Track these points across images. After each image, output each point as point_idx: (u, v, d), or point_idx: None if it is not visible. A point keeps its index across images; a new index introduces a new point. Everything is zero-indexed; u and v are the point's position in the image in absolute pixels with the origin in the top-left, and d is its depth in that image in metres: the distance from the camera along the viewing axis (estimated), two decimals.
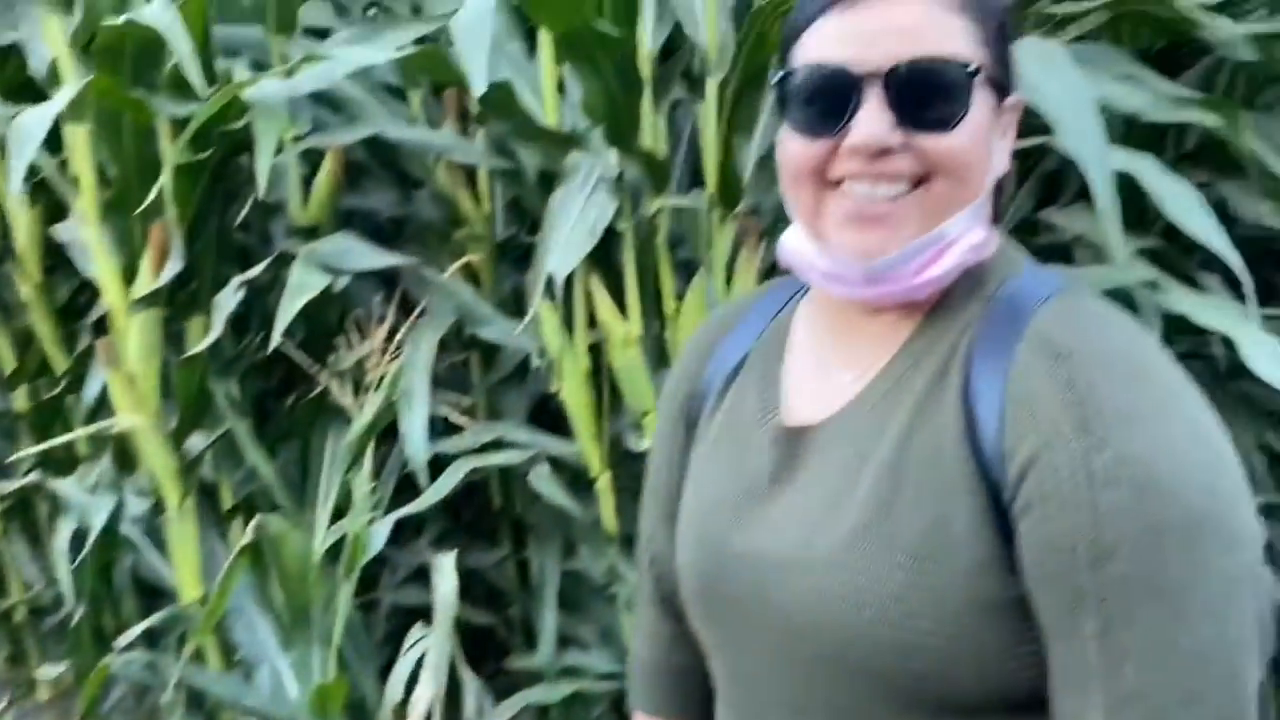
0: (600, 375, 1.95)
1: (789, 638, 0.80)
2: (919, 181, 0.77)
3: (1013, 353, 0.75)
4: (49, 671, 2.46)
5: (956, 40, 0.77)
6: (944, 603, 0.74)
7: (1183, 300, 1.56)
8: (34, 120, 1.72)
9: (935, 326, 0.81)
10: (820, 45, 0.79)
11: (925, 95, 0.76)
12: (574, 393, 1.91)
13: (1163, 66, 2.15)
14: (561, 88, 1.91)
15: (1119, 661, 0.69)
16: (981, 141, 0.78)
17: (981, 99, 0.78)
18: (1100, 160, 1.35)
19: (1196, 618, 0.69)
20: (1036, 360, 0.74)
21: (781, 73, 0.81)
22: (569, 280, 1.87)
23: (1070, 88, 1.35)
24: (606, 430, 1.95)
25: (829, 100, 0.77)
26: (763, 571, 0.82)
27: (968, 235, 0.79)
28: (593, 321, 1.91)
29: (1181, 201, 1.50)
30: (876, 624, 0.75)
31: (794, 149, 0.80)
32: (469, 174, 2.24)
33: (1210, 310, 1.51)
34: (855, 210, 0.78)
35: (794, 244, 0.84)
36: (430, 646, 1.70)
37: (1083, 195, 2.24)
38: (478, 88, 1.29)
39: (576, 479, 2.02)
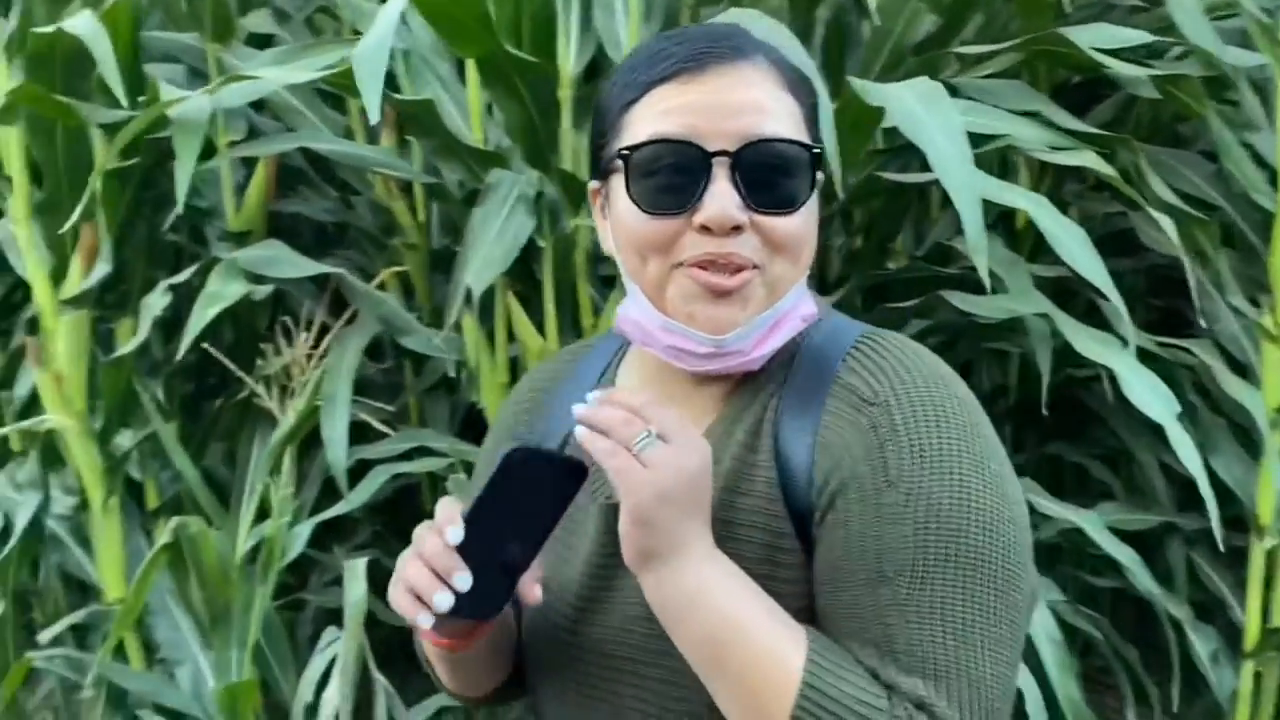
0: None
1: (640, 712, 0.84)
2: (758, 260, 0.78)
3: (821, 406, 0.79)
4: None
5: (793, 120, 0.79)
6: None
7: (1070, 330, 1.63)
8: None
9: (747, 391, 0.84)
10: (662, 118, 0.77)
11: (772, 176, 0.77)
12: (494, 404, 1.95)
13: (1081, 99, 2.24)
14: (491, 108, 1.95)
15: (903, 672, 0.74)
16: (813, 220, 0.81)
17: (810, 179, 0.79)
18: (970, 194, 1.42)
19: (979, 647, 0.74)
20: (844, 409, 0.79)
21: (623, 148, 0.78)
22: (491, 294, 1.92)
23: (945, 123, 1.41)
24: None
25: (677, 175, 0.76)
26: (613, 663, 0.85)
27: (799, 308, 0.82)
28: (514, 335, 1.95)
29: (1069, 239, 1.57)
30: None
31: (639, 226, 0.79)
32: (405, 185, 2.29)
33: (1092, 342, 1.58)
34: (705, 286, 0.78)
35: (635, 315, 0.83)
36: (340, 649, 1.73)
37: (993, 226, 2.32)
38: (372, 116, 1.33)
39: None
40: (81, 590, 2.42)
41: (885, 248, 2.19)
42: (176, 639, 2.18)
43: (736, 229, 0.77)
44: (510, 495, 0.76)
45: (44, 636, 2.15)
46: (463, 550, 0.76)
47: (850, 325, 0.86)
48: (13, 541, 2.20)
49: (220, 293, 1.80)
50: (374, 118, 1.32)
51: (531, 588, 0.80)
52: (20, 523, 2.19)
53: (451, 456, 2.02)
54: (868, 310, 2.02)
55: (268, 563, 1.86)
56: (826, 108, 1.40)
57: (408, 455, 2.05)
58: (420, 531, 0.79)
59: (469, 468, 2.02)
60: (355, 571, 1.75)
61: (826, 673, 0.73)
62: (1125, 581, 1.98)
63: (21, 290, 2.58)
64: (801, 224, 0.79)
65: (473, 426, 2.19)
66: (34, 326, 2.52)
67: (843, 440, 0.78)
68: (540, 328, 1.89)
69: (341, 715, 1.71)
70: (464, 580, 0.75)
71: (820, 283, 2.09)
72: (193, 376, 2.32)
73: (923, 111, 1.41)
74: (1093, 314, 1.93)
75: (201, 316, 1.75)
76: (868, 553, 0.75)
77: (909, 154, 1.82)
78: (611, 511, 0.81)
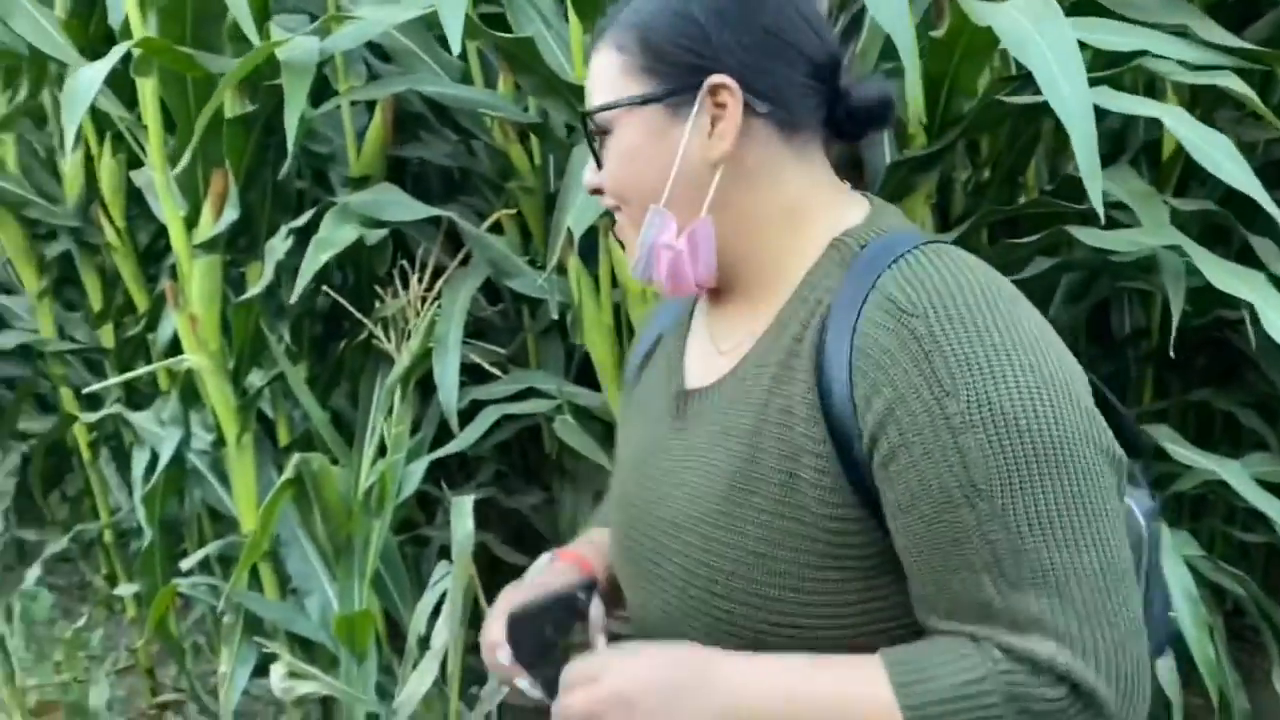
0: (627, 329, 1.98)
1: (673, 586, 0.86)
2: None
3: (860, 311, 0.78)
4: (126, 589, 2.64)
5: (607, 83, 0.89)
6: (791, 554, 0.78)
7: (1207, 265, 1.50)
8: (86, 78, 1.83)
9: (799, 299, 0.85)
10: None
11: (596, 140, 0.91)
12: (597, 345, 1.95)
13: (1238, 14, 2.05)
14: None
15: (1014, 590, 0.73)
16: (636, 160, 0.88)
17: (633, 122, 0.88)
18: (1080, 112, 1.31)
19: (1081, 542, 0.73)
20: (882, 316, 0.78)
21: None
22: (595, 235, 1.90)
23: (1057, 40, 1.30)
24: None
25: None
26: (659, 528, 0.88)
27: (659, 237, 0.88)
28: (616, 276, 1.94)
29: (1212, 149, 1.43)
30: (738, 579, 0.80)
31: None
32: (521, 129, 2.28)
33: (1231, 277, 1.45)
34: None
35: None
36: (449, 583, 1.77)
37: (1136, 157, 2.16)
38: (454, 46, 1.32)
39: (609, 430, 2.07)
40: (221, 522, 2.56)
41: (1014, 181, 2.06)
42: (306, 570, 2.27)
43: (598, 190, 0.93)
44: (535, 623, 0.92)
45: (186, 564, 2.28)
46: (518, 656, 0.92)
47: (908, 238, 0.84)
48: (158, 474, 2.34)
49: (332, 237, 1.84)
50: (455, 48, 1.31)
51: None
52: (165, 457, 2.32)
53: (559, 398, 2.03)
54: (990, 245, 1.91)
55: (383, 498, 1.91)
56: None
57: (518, 396, 2.07)
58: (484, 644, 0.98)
59: (577, 411, 2.03)
60: (462, 508, 1.78)
61: (918, 683, 0.74)
62: (1276, 536, 1.84)
63: (165, 237, 2.72)
64: (613, 172, 0.90)
65: (586, 368, 2.20)
66: (175, 271, 2.66)
67: (880, 346, 0.77)
68: None
69: (450, 646, 1.76)
70: (525, 683, 0.92)
71: (943, 217, 1.99)
72: (321, 319, 2.40)
73: (1032, 29, 1.31)
74: (1247, 256, 1.78)
75: (314, 260, 1.80)
76: (953, 467, 0.74)
77: None
78: (681, 396, 0.91)
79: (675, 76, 0.87)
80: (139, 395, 2.74)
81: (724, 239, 0.88)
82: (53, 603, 2.75)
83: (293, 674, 1.69)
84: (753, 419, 0.83)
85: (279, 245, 2.03)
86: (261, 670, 2.22)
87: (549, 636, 0.92)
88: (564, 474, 2.41)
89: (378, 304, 2.18)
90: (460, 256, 2.10)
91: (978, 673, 0.73)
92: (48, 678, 2.79)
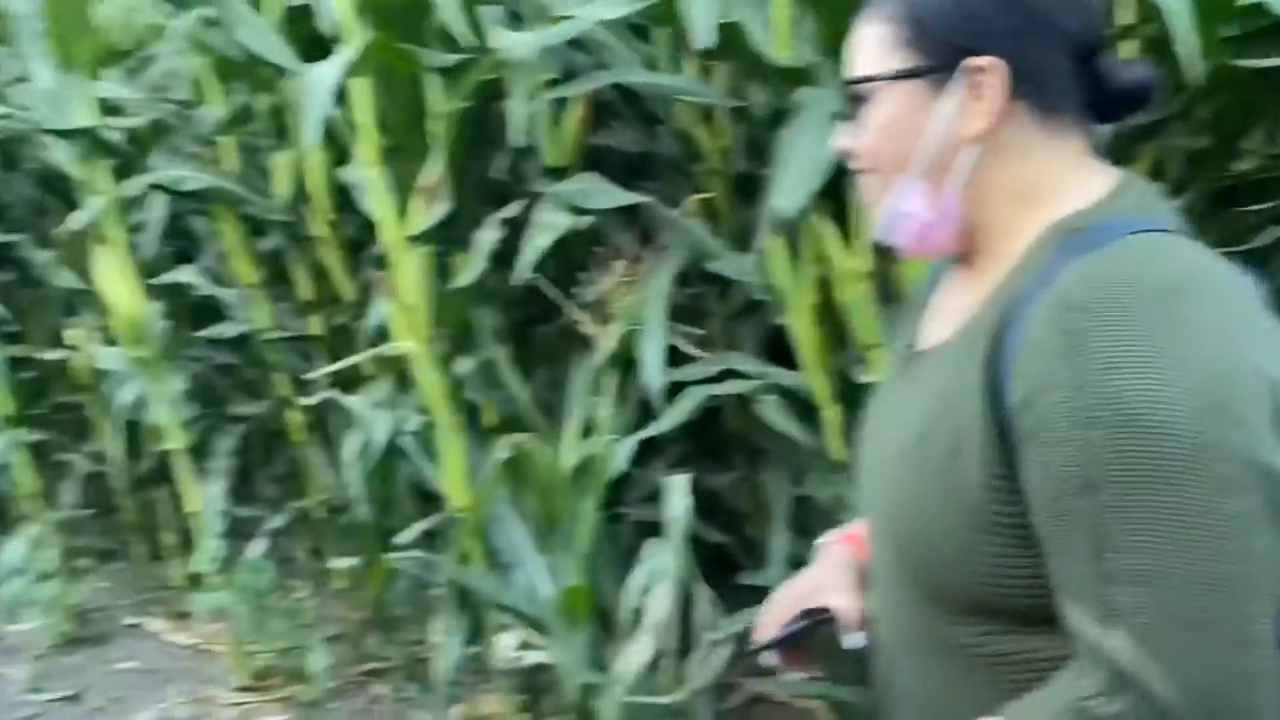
0: (829, 309, 1.99)
1: (879, 536, 0.96)
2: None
3: (1040, 300, 0.82)
4: (341, 563, 2.81)
5: (872, 53, 0.92)
6: (956, 518, 0.84)
7: None
8: (323, 75, 1.94)
9: (1009, 279, 0.88)
10: None
11: (853, 107, 0.94)
12: (801, 326, 1.96)
13: None
14: (799, 25, 1.92)
15: (1109, 582, 0.76)
16: (892, 131, 0.91)
17: (893, 94, 0.91)
18: None
19: (1188, 549, 0.74)
20: (1049, 309, 0.81)
21: None
22: (798, 215, 1.91)
23: None
24: (834, 363, 2.00)
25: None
26: (870, 477, 0.98)
27: (908, 205, 0.92)
28: (821, 256, 1.95)
29: None
30: (908, 527, 0.89)
31: None
32: (706, 111, 2.32)
33: None
34: None
35: None
36: (664, 559, 1.82)
37: None
38: (702, 42, 1.35)
39: (807, 409, 2.08)
40: (429, 500, 2.69)
41: (1235, 147, 1.97)
42: (513, 545, 2.37)
43: (848, 152, 0.96)
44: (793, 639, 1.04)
45: (401, 539, 2.41)
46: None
47: (1122, 225, 0.85)
48: (372, 455, 2.48)
49: (551, 223, 1.91)
50: (705, 41, 1.33)
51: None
52: (378, 439, 2.46)
53: (760, 379, 2.06)
54: (1213, 216, 1.84)
55: (596, 477, 1.98)
56: None
57: (718, 378, 2.10)
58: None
59: (781, 391, 2.05)
60: (677, 487, 1.83)
61: None
62: None
63: (368, 230, 2.86)
64: (868, 142, 0.93)
65: (780, 348, 2.22)
66: (382, 262, 2.80)
67: (1039, 336, 0.80)
68: (850, 250, 1.87)
69: (667, 621, 1.81)
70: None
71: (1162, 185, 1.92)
72: (521, 305, 2.49)
73: None
74: None
75: (535, 247, 1.87)
76: (1075, 459, 0.77)
77: (1271, 38, 1.62)
78: (909, 356, 0.98)
79: (940, 53, 0.89)
80: (345, 381, 2.89)
81: (964, 212, 0.91)
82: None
83: (522, 645, 1.78)
84: (944, 385, 0.87)
85: (488, 235, 2.12)
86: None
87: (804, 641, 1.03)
88: (755, 453, 2.44)
89: (578, 290, 2.26)
90: (659, 242, 2.15)
91: (1080, 689, 0.77)
92: (269, 645, 2.99)
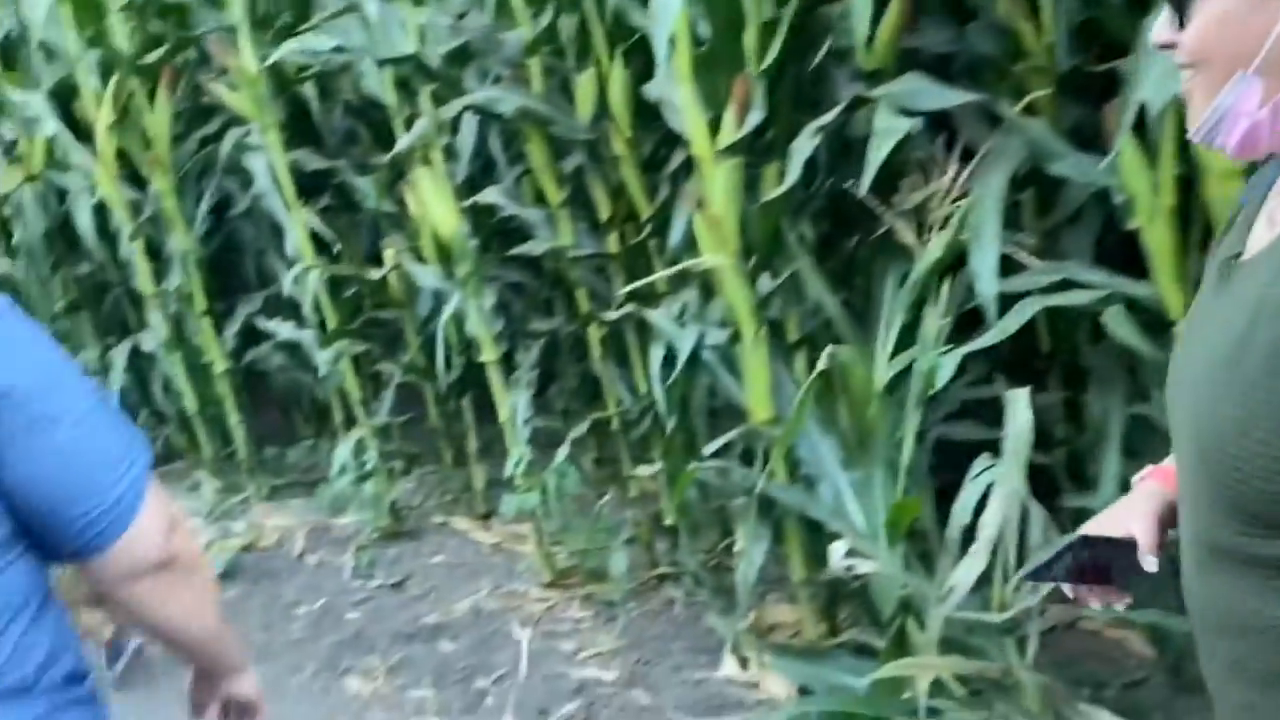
0: (1186, 212, 1.83)
1: (1183, 448, 0.92)
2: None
3: None
4: (644, 471, 2.90)
5: None
6: (1270, 439, 0.81)
7: None
8: None
9: None
10: None
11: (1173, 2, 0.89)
12: (1156, 231, 1.82)
13: None
14: None
15: None
16: (1229, 24, 0.86)
17: None
18: None
19: None
20: None
21: None
22: (1143, 111, 1.76)
23: None
24: (1191, 271, 1.84)
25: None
26: (1182, 384, 0.94)
27: (1240, 103, 0.87)
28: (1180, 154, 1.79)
29: None
30: (1219, 441, 0.85)
31: None
32: (1030, 2, 2.17)
33: None
34: None
35: None
36: (999, 477, 1.76)
37: None
38: None
39: (1149, 322, 1.94)
40: (729, 413, 2.72)
41: None
42: (817, 458, 2.37)
43: (1168, 45, 0.91)
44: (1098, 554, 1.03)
45: (709, 449, 2.46)
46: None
47: None
48: (678, 368, 2.53)
49: (891, 128, 1.85)
50: None
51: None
52: (684, 351, 2.51)
53: (1104, 289, 1.93)
54: None
55: (922, 390, 1.94)
56: None
57: (1054, 288, 1.99)
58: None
59: (1130, 304, 1.92)
60: (1018, 401, 1.75)
61: None
62: None
63: (665, 147, 2.89)
64: (1193, 37, 0.88)
65: (1119, 256, 2.07)
66: (677, 179, 2.83)
67: None
68: None
69: (1005, 538, 1.76)
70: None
71: None
72: (826, 217, 2.45)
73: None
74: None
75: (877, 153, 1.82)
76: None
77: None
78: (1228, 265, 0.93)
79: None
80: (640, 298, 2.96)
81: None
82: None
83: (852, 553, 1.78)
84: (1262, 293, 0.84)
85: (805, 144, 2.08)
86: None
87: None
88: (1075, 371, 2.32)
89: (894, 198, 2.19)
90: (987, 146, 2.04)
91: None
92: (571, 546, 3.16)
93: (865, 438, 2.18)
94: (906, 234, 2.15)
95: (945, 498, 2.10)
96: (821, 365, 2.08)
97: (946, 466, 2.24)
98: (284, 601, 3.34)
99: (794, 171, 2.11)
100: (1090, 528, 1.05)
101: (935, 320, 1.95)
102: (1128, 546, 1.00)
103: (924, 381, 1.94)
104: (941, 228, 2.07)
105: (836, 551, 1.84)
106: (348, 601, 3.33)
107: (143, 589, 1.06)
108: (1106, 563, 1.02)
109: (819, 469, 2.38)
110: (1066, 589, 1.06)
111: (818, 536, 2.46)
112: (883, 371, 2.14)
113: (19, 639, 1.01)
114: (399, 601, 3.30)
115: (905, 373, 2.11)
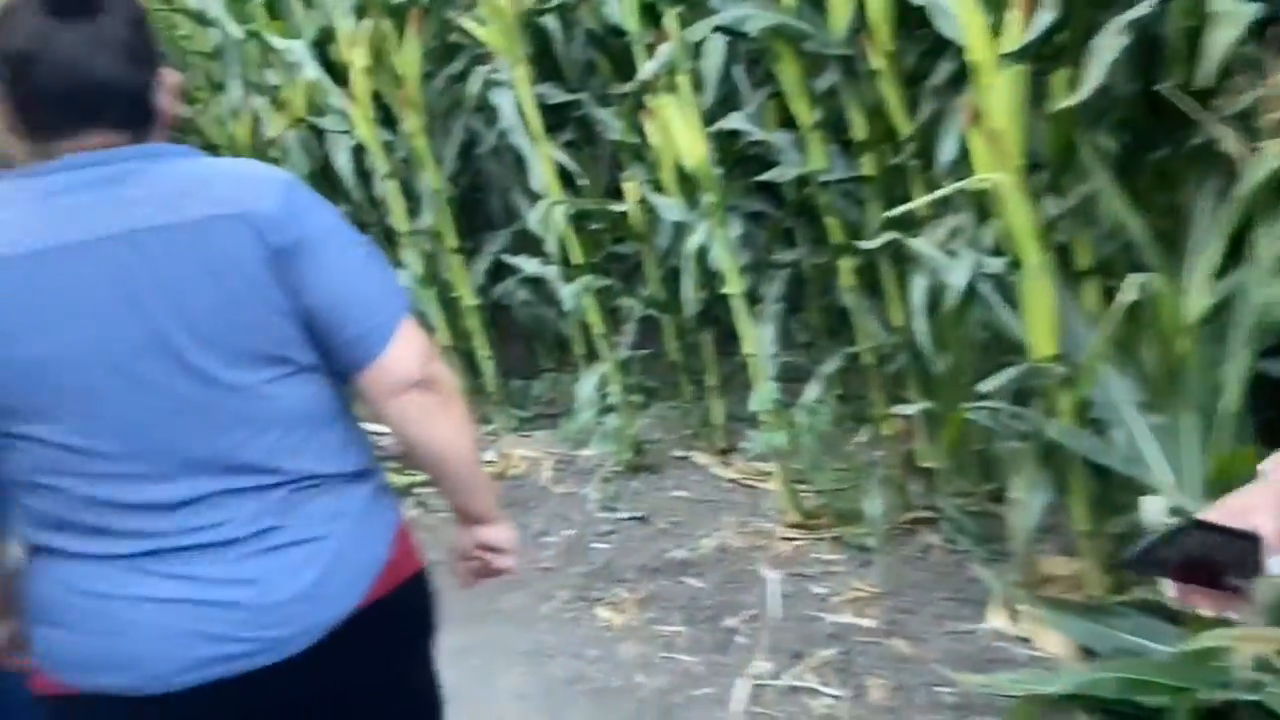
0: None
1: None
2: None
3: None
4: (904, 410, 2.73)
5: None
6: None
7: None
8: None
9: None
10: None
11: None
12: None
13: None
14: None
15: None
16: None
17: None
18: None
19: None
20: None
21: None
22: None
23: None
24: None
25: None
26: None
27: None
28: None
29: None
30: None
31: None
32: None
33: None
34: None
35: None
36: None
37: None
38: None
39: None
40: (996, 347, 2.50)
41: None
42: (1110, 400, 2.13)
43: None
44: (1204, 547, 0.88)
45: (985, 387, 2.26)
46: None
47: None
48: (951, 299, 2.33)
49: (1231, 11, 1.58)
50: None
51: None
52: (958, 282, 2.30)
53: None
54: None
55: (1255, 323, 1.68)
56: None
57: None
58: None
59: None
60: None
61: None
62: None
63: (929, 59, 2.66)
64: None
65: None
66: (943, 92, 2.60)
67: None
68: None
69: None
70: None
71: None
72: (1126, 128, 2.17)
73: None
74: None
75: (1216, 42, 1.56)
76: None
77: None
78: None
79: None
80: (899, 224, 2.75)
81: None
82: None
83: (1172, 509, 1.57)
84: None
85: (1109, 42, 1.83)
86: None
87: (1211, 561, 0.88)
88: None
89: (1215, 102, 1.90)
90: None
91: None
92: (821, 485, 3.04)
93: (1173, 378, 1.93)
94: (1231, 142, 1.86)
95: (1259, 441, 1.84)
96: (1130, 295, 1.84)
97: (1259, 407, 1.96)
98: (533, 530, 3.40)
99: (1097, 75, 1.86)
100: (1206, 514, 0.89)
101: (1272, 242, 1.67)
102: (1249, 541, 0.85)
103: (1258, 315, 1.67)
104: (1276, 134, 1.78)
105: (1151, 506, 1.62)
106: (594, 532, 3.35)
107: (408, 401, 1.23)
108: (1221, 559, 0.87)
109: (1113, 412, 2.14)
110: (1169, 588, 0.90)
111: (1106, 485, 2.24)
112: (1197, 302, 1.88)
113: (344, 435, 1.26)
114: (645, 535, 3.29)
115: (1220, 305, 1.84)
